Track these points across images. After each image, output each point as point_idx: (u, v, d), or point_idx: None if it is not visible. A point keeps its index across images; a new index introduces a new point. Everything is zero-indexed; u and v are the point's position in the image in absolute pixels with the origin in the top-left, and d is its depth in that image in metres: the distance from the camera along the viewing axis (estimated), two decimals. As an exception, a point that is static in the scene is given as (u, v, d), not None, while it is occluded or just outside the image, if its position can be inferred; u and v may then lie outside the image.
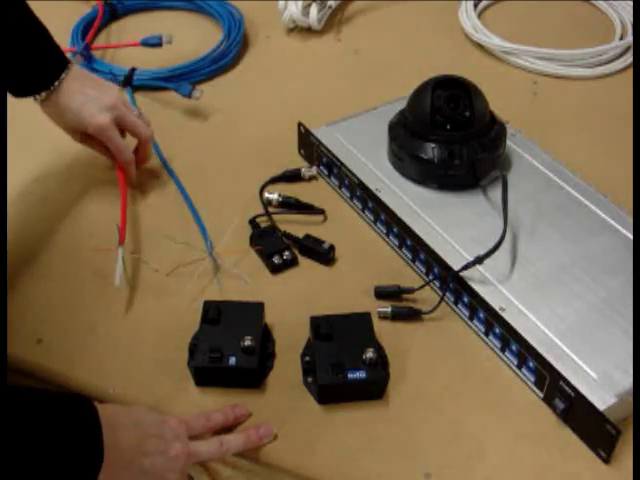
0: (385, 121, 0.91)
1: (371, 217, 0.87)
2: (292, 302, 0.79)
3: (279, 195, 0.90)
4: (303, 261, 0.84)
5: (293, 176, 0.94)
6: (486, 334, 0.75)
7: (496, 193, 0.84)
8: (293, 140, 0.97)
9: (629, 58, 1.14)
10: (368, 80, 1.11)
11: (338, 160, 0.90)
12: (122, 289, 0.80)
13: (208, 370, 0.71)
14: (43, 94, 0.84)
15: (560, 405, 0.67)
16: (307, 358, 0.73)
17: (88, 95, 0.86)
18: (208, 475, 0.70)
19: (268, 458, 0.67)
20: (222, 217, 0.87)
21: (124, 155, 0.89)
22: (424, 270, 0.81)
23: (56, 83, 0.84)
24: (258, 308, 0.75)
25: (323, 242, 0.84)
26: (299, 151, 0.98)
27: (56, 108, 0.86)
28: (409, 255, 0.83)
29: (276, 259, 0.83)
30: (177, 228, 0.87)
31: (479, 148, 0.85)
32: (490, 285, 0.75)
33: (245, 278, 0.81)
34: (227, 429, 0.68)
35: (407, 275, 0.82)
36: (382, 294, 0.79)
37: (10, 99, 0.85)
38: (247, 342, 0.71)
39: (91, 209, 0.90)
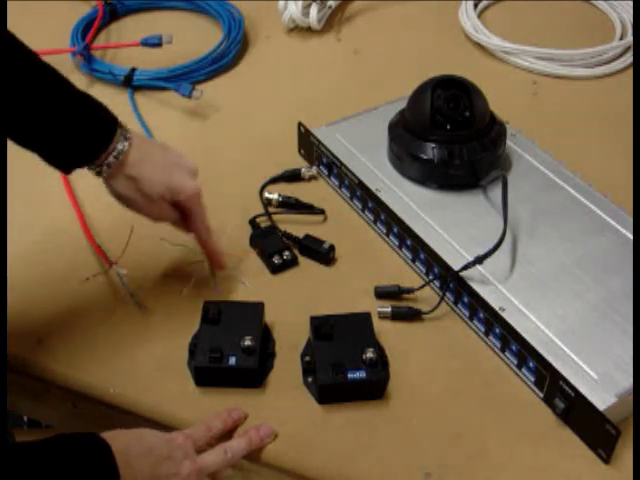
0: (385, 121, 0.91)
1: (371, 217, 0.87)
2: (292, 302, 0.79)
3: (279, 195, 0.90)
4: (303, 261, 0.84)
5: (293, 176, 0.94)
6: (486, 334, 0.75)
7: (496, 193, 0.84)
8: (293, 140, 0.97)
9: (629, 58, 1.14)
10: (368, 80, 1.11)
11: (338, 160, 0.90)
12: (121, 289, 0.80)
13: (208, 370, 0.71)
14: (111, 162, 0.71)
15: (560, 405, 0.67)
16: (307, 358, 0.73)
17: (170, 159, 0.76)
18: (208, 475, 0.70)
19: (268, 458, 0.67)
20: (222, 217, 0.87)
21: (206, 225, 0.78)
22: (424, 270, 0.81)
23: (119, 147, 0.71)
24: (258, 308, 0.75)
25: (323, 242, 0.84)
26: (299, 151, 0.98)
27: (131, 176, 0.72)
28: (409, 255, 0.83)
29: (276, 259, 0.83)
30: (176, 229, 0.87)
31: (479, 148, 0.85)
32: (490, 285, 0.75)
33: (243, 281, 0.81)
34: (227, 434, 0.68)
35: (407, 275, 0.82)
36: (382, 294, 0.79)
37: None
38: (247, 342, 0.71)
39: (92, 209, 0.90)
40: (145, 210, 0.75)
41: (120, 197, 0.74)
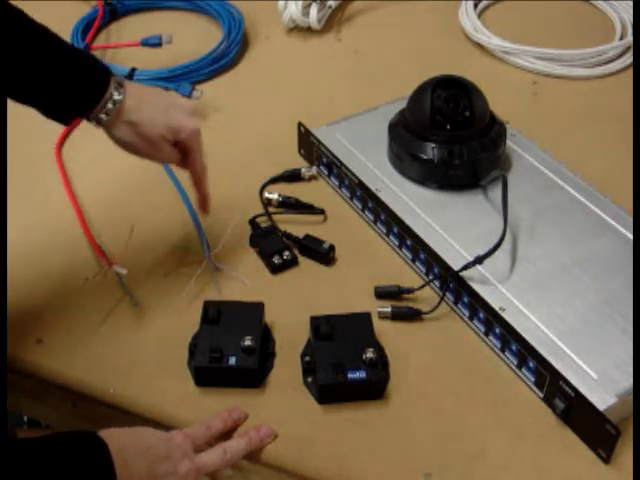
0: (385, 121, 0.91)
1: (371, 217, 0.87)
2: (292, 302, 0.79)
3: (279, 195, 0.90)
4: (303, 261, 0.84)
5: (293, 176, 0.94)
6: (486, 334, 0.75)
7: (496, 193, 0.84)
8: (293, 140, 0.97)
9: (629, 58, 1.14)
10: (368, 80, 1.11)
11: (338, 160, 0.90)
12: (121, 289, 0.80)
13: (208, 370, 0.71)
14: (109, 110, 0.72)
15: (560, 405, 0.67)
16: (307, 358, 0.73)
17: (167, 101, 0.77)
18: (207, 475, 0.70)
19: (268, 458, 0.67)
20: (222, 217, 0.87)
21: (204, 164, 0.80)
22: (424, 270, 0.81)
23: (115, 95, 0.72)
24: (258, 308, 0.75)
25: (323, 242, 0.84)
26: (299, 151, 0.98)
27: (131, 122, 0.73)
28: (409, 255, 0.83)
29: (276, 259, 0.83)
30: (177, 229, 0.87)
31: (479, 148, 0.85)
32: (490, 285, 0.75)
33: (243, 280, 0.81)
34: (227, 434, 0.68)
35: (407, 275, 0.82)
36: (382, 294, 0.79)
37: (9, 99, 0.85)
38: (247, 342, 0.71)
39: (92, 210, 0.90)
40: (149, 153, 0.77)
41: (123, 144, 0.75)
